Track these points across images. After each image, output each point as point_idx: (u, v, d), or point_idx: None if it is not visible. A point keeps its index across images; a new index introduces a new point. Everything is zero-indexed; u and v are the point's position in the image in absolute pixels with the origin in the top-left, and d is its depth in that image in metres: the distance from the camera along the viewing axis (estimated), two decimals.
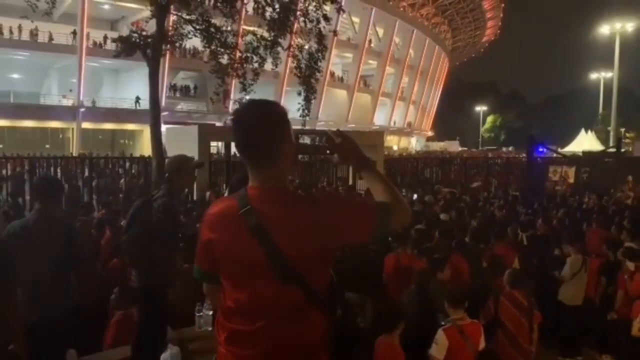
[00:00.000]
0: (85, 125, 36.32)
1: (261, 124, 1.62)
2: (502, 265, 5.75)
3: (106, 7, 36.95)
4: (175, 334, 4.05)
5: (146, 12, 15.49)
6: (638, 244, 6.46)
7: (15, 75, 37.51)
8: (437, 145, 71.11)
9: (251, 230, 1.59)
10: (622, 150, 28.07)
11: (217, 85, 13.56)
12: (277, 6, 12.85)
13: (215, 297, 1.81)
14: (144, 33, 13.28)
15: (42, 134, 37.09)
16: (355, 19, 51.35)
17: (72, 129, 36.49)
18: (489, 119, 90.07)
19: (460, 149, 69.59)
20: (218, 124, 32.78)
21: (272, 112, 1.66)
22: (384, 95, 58.14)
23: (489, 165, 22.43)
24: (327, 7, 13.53)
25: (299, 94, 14.25)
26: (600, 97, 57.73)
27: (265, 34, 13.24)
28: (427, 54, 65.30)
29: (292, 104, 13.08)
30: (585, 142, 41.26)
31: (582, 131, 44.31)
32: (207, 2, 12.77)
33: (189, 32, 12.92)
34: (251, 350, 1.65)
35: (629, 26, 46.97)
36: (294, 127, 1.72)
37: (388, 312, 3.79)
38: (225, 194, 3.28)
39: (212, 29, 12.52)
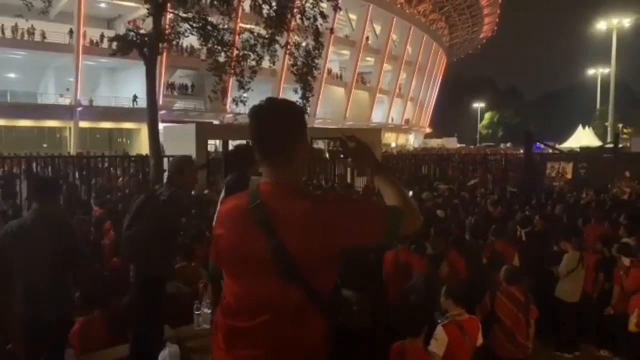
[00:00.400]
0: (83, 124, 36.25)
1: (278, 121, 1.66)
2: (502, 261, 5.77)
3: (103, 5, 36.85)
4: (173, 332, 4.06)
5: (143, 10, 15.47)
6: (635, 240, 6.47)
7: (11, 75, 37.41)
8: (435, 142, 71.15)
9: (259, 225, 1.60)
10: (620, 146, 28.12)
11: (214, 84, 13.54)
12: (274, 3, 12.83)
13: None
14: (140, 31, 13.26)
15: (39, 133, 37.01)
16: (353, 16, 51.27)
17: (69, 128, 36.43)
18: (487, 115, 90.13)
19: (458, 145, 69.66)
20: (215, 122, 32.84)
21: (290, 110, 1.71)
22: (381, 92, 58.09)
23: (486, 161, 22.43)
24: (324, 4, 13.51)
25: (296, 91, 14.23)
26: (598, 93, 57.80)
27: (262, 32, 13.22)
28: (425, 50, 65.26)
29: None
30: (582, 138, 41.33)
31: (580, 127, 44.40)
32: (203, 0, 12.75)
33: (185, 30, 12.89)
34: (248, 350, 1.64)
35: (626, 22, 47.02)
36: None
37: (413, 316, 3.77)
38: (222, 194, 3.28)
39: (209, 27, 12.50)
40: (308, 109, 14.50)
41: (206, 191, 9.63)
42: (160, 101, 30.76)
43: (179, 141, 12.33)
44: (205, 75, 16.79)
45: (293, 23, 13.76)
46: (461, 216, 8.75)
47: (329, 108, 48.06)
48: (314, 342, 1.64)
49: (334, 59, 51.46)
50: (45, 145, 34.45)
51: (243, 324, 1.65)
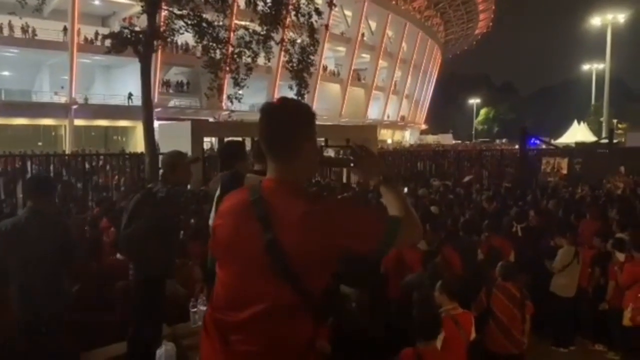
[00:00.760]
0: (78, 122, 36.11)
1: (287, 119, 1.67)
2: (499, 257, 5.79)
3: (97, 2, 36.68)
4: (170, 330, 4.06)
5: (137, 7, 15.40)
6: (628, 235, 6.50)
7: (5, 73, 37.19)
8: (430, 139, 71.21)
9: (256, 219, 1.61)
10: (615, 141, 28.21)
11: (210, 81, 13.52)
12: (268, 0, 12.81)
13: None
14: (135, 29, 13.22)
15: (34, 132, 36.84)
16: (348, 13, 51.20)
17: (65, 126, 36.28)
18: (482, 111, 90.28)
19: (453, 141, 69.77)
20: (211, 119, 32.78)
21: (299, 109, 1.72)
22: (377, 89, 58.07)
23: (482, 157, 22.48)
24: (319, 1, 13.50)
25: (291, 88, 14.23)
26: (593, 89, 57.93)
27: (258, 29, 13.20)
28: (420, 47, 65.22)
29: None
30: (578, 133, 41.47)
31: (575, 122, 44.50)
32: None
33: (180, 28, 12.86)
34: (235, 345, 1.64)
35: (621, 17, 47.13)
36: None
37: (429, 319, 3.71)
38: (217, 191, 3.28)
39: (204, 24, 12.48)
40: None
41: (203, 187, 9.63)
42: (156, 99, 30.66)
43: (174, 139, 12.33)
44: (201, 72, 16.74)
45: (288, 20, 13.74)
46: (456, 212, 8.78)
47: (325, 105, 48.00)
48: (300, 342, 1.64)
49: (329, 55, 51.43)
50: (40, 144, 34.32)
51: (231, 317, 1.66)
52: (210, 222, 3.21)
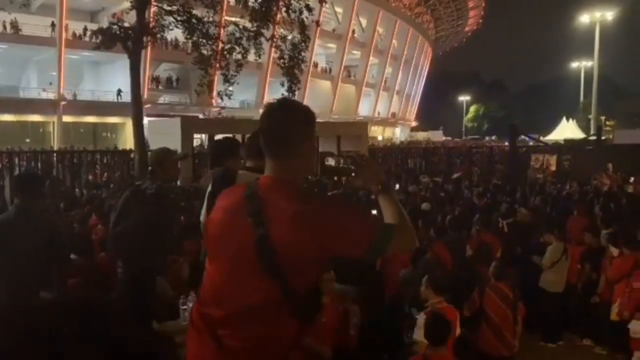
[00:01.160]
0: (66, 118, 35.80)
1: (287, 119, 1.72)
2: (489, 253, 5.83)
3: None
4: (159, 327, 4.05)
5: (126, 3, 15.27)
6: (613, 231, 6.54)
7: None
8: (421, 135, 71.41)
9: (249, 214, 1.63)
10: (603, 138, 28.43)
11: (200, 77, 13.47)
12: None
13: None
14: (124, 25, 13.12)
15: (22, 128, 36.46)
16: (339, 9, 51.13)
17: (53, 122, 35.95)
18: (472, 108, 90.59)
19: (444, 138, 70.01)
20: (201, 116, 32.62)
21: (299, 110, 1.76)
22: (368, 86, 58.08)
23: (472, 154, 22.61)
24: None
25: (283, 84, 14.21)
26: (581, 86, 58.35)
27: (248, 25, 13.15)
28: (411, 44, 65.29)
29: (277, 95, 13.02)
30: (566, 130, 41.78)
31: (564, 119, 44.86)
32: None
33: (170, 24, 12.79)
34: (221, 340, 1.64)
35: (609, 15, 47.49)
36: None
37: (438, 323, 3.68)
38: (209, 188, 3.27)
39: (194, 20, 12.41)
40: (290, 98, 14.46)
41: (193, 184, 9.59)
42: (145, 95, 30.45)
43: (164, 135, 12.25)
44: (191, 68, 16.68)
45: (279, 16, 13.70)
46: (447, 209, 8.82)
47: (316, 102, 47.85)
48: (284, 340, 1.65)
49: (320, 52, 51.34)
50: (28, 140, 33.98)
51: (217, 312, 1.67)
52: (201, 218, 3.21)
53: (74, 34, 34.65)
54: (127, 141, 29.69)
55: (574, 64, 60.06)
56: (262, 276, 1.59)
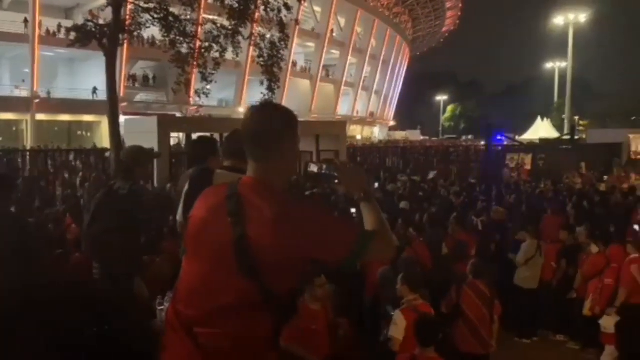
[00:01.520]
0: (40, 117, 35.06)
1: (268, 121, 1.72)
2: (464, 251, 5.91)
3: None
4: None
5: (102, 0, 15.07)
6: (585, 229, 6.68)
7: None
8: (399, 135, 71.87)
9: (229, 214, 1.63)
10: (576, 137, 28.98)
11: (177, 75, 13.34)
12: None
13: None
14: (100, 22, 12.93)
15: None
16: (317, 8, 51.15)
17: (26, 120, 35.18)
18: (449, 108, 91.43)
19: (421, 137, 70.59)
20: (178, 114, 32.30)
21: (282, 113, 1.77)
22: (347, 85, 58.20)
23: (449, 153, 22.85)
24: None
25: (262, 83, 14.16)
26: (556, 86, 59.51)
27: (226, 23, 13.07)
28: (389, 43, 65.63)
29: (255, 94, 12.98)
30: (541, 129, 42.46)
31: (539, 119, 45.57)
32: None
33: (146, 21, 12.63)
34: (197, 338, 1.64)
35: (582, 17, 48.47)
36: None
37: (427, 325, 3.72)
38: (186, 187, 3.26)
39: (171, 18, 12.29)
40: (273, 101, 14.42)
41: (168, 185, 9.50)
42: (122, 93, 30.03)
43: (140, 134, 12.08)
44: (168, 66, 16.50)
45: (257, 14, 13.65)
46: (425, 207, 8.91)
47: (295, 101, 47.78)
48: (260, 341, 1.66)
49: (299, 51, 51.28)
50: (0, 139, 33.23)
51: (193, 310, 1.67)
52: (178, 217, 3.19)
53: (47, 31, 33.97)
54: (104, 140, 29.23)
55: (549, 65, 61.24)
56: (239, 277, 1.59)
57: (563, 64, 53.78)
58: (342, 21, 56.14)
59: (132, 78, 38.08)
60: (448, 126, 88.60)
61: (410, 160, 22.15)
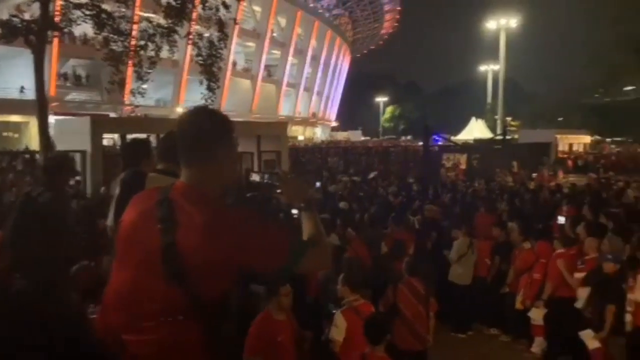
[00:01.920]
0: None
1: (203, 127, 1.69)
2: (402, 249, 6.02)
3: None
4: None
5: None
6: (517, 225, 6.98)
7: None
8: (341, 135, 72.63)
9: (159, 220, 1.61)
10: (508, 137, 30.26)
11: (111, 74, 12.86)
12: None
13: None
14: (26, 17, 12.28)
15: None
16: (257, 8, 50.84)
17: None
18: (389, 109, 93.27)
19: (362, 138, 71.61)
20: (113, 114, 31.22)
21: (215, 118, 1.74)
22: (288, 86, 58.27)
23: (388, 154, 23.30)
24: None
25: (201, 82, 13.90)
26: (489, 88, 61.98)
27: (162, 21, 12.73)
28: (329, 45, 66.24)
29: (195, 94, 12.73)
30: (475, 130, 44.11)
31: (473, 119, 47.26)
32: None
33: (78, 18, 12.10)
34: (126, 346, 1.60)
35: (513, 22, 50.75)
36: None
37: (378, 322, 3.74)
38: (117, 190, 3.15)
39: (104, 15, 11.83)
40: (213, 101, 14.20)
41: (102, 188, 9.16)
42: (52, 92, 28.70)
43: (72, 135, 11.55)
44: (101, 65, 15.91)
45: (195, 13, 13.37)
46: (365, 207, 9.04)
47: (236, 101, 47.37)
48: (189, 348, 1.62)
49: (239, 51, 50.80)
50: None
51: (121, 317, 1.63)
52: (109, 222, 3.08)
53: None
54: (33, 141, 27.81)
55: (483, 67, 63.70)
56: (167, 283, 1.56)
57: (496, 67, 56.06)
58: (283, 21, 56.11)
59: (63, 76, 36.43)
60: (388, 127, 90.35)
61: (352, 161, 22.42)
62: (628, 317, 5.17)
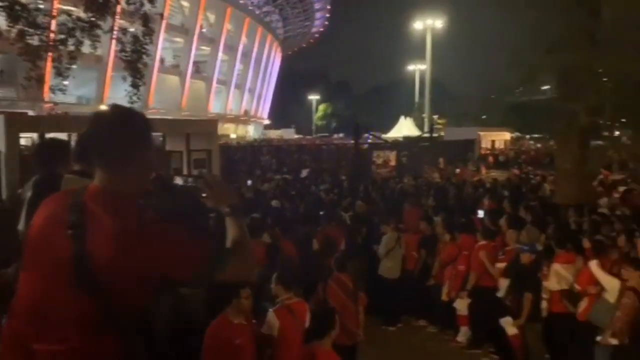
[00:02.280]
0: None
1: (118, 128, 1.60)
2: (333, 245, 6.10)
3: None
4: None
5: None
6: (442, 220, 7.26)
7: None
8: (274, 133, 72.41)
9: (70, 225, 1.52)
10: (435, 135, 31.33)
11: (27, 70, 12.13)
12: None
13: None
14: None
15: None
16: (185, 3, 49.69)
17: None
18: (321, 107, 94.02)
19: (295, 136, 71.72)
20: (31, 112, 29.51)
21: (132, 118, 1.66)
22: (219, 83, 57.34)
23: (320, 152, 23.49)
24: None
25: (125, 79, 13.39)
26: (416, 87, 63.90)
27: (83, 15, 12.15)
28: (260, 42, 65.84)
29: (119, 90, 12.25)
30: (403, 127, 45.30)
31: (402, 118, 48.51)
32: None
33: None
34: (32, 356, 1.52)
35: (439, 23, 52.53)
36: None
37: (324, 316, 3.74)
38: (29, 193, 2.99)
39: (18, 7, 11.13)
40: (139, 98, 13.71)
41: (19, 190, 8.64)
42: None
43: None
44: (17, 59, 14.98)
45: (119, 7, 12.86)
46: (297, 205, 9.09)
47: (164, 98, 46.04)
48: (100, 357, 1.54)
49: (167, 46, 49.43)
50: None
51: (31, 328, 1.55)
52: (20, 227, 2.92)
53: None
54: None
55: (411, 67, 65.56)
56: (78, 292, 1.48)
57: (423, 67, 57.83)
58: (212, 17, 55.15)
59: None
60: (320, 125, 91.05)
61: (284, 159, 22.42)
62: (544, 304, 5.52)
